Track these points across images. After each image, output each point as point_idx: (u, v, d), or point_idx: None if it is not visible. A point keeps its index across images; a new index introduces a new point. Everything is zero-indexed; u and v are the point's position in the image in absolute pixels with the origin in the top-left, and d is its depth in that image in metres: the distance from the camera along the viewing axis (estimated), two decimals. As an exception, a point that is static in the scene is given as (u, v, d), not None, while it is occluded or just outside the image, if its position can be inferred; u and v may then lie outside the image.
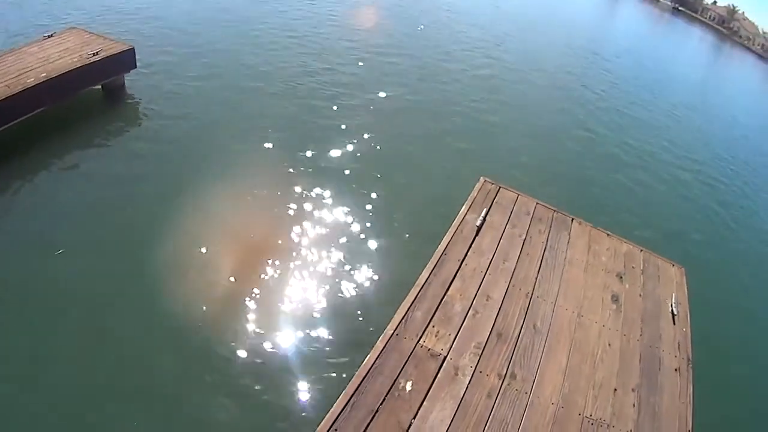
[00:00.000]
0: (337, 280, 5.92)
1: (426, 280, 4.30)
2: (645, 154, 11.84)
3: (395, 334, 3.82)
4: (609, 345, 4.33)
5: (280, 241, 6.35)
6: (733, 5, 66.48)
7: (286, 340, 5.17)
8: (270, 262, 6.00)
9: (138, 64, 9.08)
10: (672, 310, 4.82)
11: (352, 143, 8.76)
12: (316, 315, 5.48)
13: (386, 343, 3.74)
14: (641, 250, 5.52)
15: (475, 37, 16.49)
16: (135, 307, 5.19)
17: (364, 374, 3.57)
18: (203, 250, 5.97)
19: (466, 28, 17.11)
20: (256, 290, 5.62)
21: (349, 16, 15.59)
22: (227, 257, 5.96)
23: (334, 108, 9.92)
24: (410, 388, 3.63)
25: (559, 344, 4.26)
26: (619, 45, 24.09)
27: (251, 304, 5.47)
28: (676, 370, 4.28)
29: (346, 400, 3.45)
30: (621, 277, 5.11)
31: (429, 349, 3.86)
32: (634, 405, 3.89)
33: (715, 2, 70.22)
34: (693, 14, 67.19)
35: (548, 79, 14.80)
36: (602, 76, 16.95)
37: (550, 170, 9.41)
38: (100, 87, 8.85)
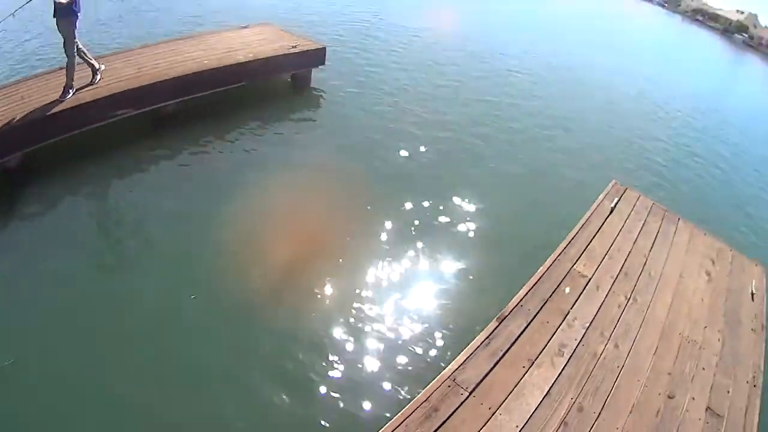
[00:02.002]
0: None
1: (576, 233, 6.30)
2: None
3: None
4: (702, 300, 6.04)
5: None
6: None
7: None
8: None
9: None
10: (752, 290, 6.42)
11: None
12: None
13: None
14: (730, 249, 7.17)
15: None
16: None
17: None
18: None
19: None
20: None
21: None
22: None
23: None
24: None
25: (665, 288, 6.10)
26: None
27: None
28: (752, 330, 5.86)
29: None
30: (713, 261, 6.81)
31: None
32: (719, 340, 5.54)
33: None
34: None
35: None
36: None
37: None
38: (289, 76, 10.94)
